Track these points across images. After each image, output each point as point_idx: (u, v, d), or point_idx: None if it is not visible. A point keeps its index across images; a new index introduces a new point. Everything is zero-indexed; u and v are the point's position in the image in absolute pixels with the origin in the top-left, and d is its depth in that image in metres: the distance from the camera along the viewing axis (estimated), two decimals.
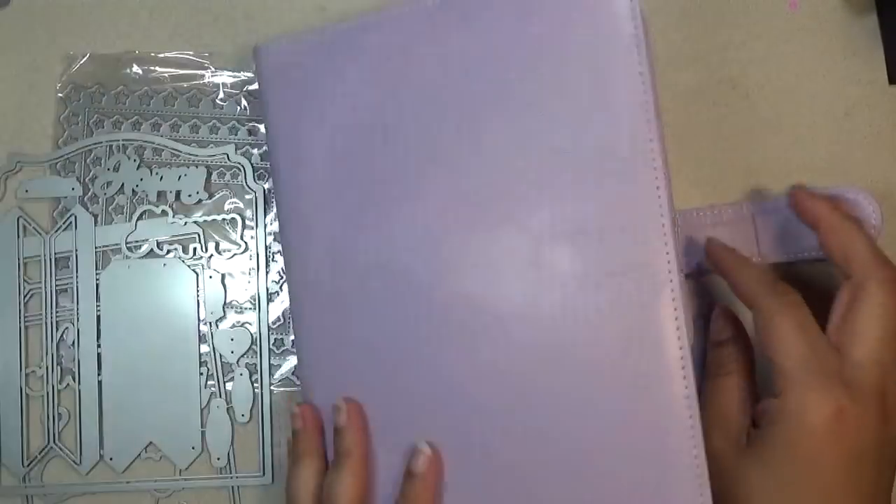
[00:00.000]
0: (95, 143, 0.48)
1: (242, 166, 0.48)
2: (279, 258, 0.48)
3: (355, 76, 0.43)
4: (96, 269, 0.48)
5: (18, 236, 0.48)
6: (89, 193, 0.48)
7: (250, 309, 0.48)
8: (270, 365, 0.48)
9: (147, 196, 0.48)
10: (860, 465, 0.36)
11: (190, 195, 0.48)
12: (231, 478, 0.47)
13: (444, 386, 0.41)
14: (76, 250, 0.48)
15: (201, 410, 0.48)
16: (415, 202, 0.42)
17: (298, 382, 0.47)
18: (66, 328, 0.48)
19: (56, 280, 0.48)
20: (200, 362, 0.48)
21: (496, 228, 0.41)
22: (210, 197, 0.48)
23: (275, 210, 0.48)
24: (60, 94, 0.49)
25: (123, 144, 0.49)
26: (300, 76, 0.43)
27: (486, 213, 0.41)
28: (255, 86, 0.49)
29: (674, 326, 0.38)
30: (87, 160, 0.49)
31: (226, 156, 0.48)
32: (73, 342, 0.48)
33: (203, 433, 0.47)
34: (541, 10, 0.41)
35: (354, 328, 0.42)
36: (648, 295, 0.39)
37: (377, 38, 0.43)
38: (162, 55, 0.49)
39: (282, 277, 0.48)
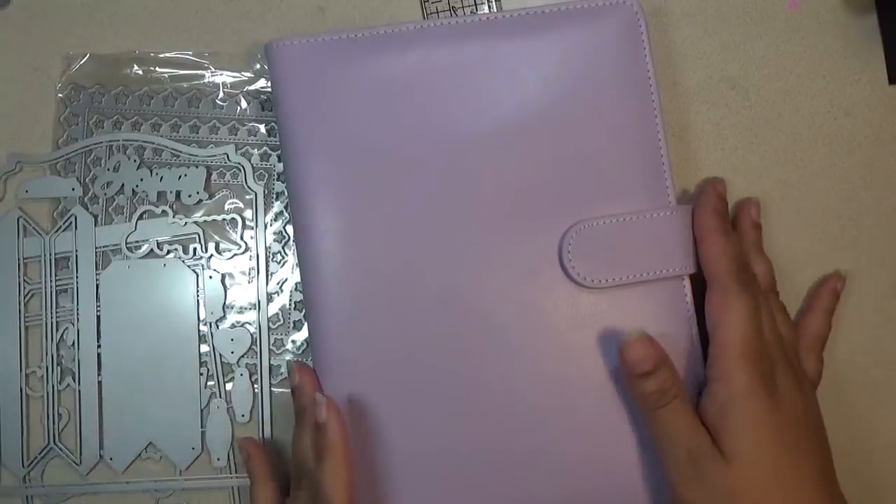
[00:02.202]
0: (95, 144, 0.48)
1: (242, 166, 0.48)
2: (279, 259, 0.48)
3: (376, 86, 0.43)
4: (96, 269, 0.48)
5: (18, 236, 0.48)
6: (89, 194, 0.48)
7: (250, 309, 0.48)
8: (270, 365, 0.48)
9: (147, 196, 0.48)
10: (805, 430, 0.40)
11: (190, 195, 0.48)
12: (231, 478, 0.47)
13: (466, 394, 0.42)
14: (76, 250, 0.48)
15: (201, 411, 0.47)
16: (435, 211, 0.43)
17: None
18: (66, 328, 0.48)
19: (56, 280, 0.48)
20: (200, 362, 0.48)
21: (523, 236, 0.43)
22: (210, 197, 0.48)
23: (274, 210, 0.48)
24: (60, 95, 0.49)
25: (123, 145, 0.49)
26: (317, 78, 0.43)
27: (510, 220, 0.43)
28: (255, 86, 0.49)
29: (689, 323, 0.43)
30: (88, 160, 0.48)
31: (226, 156, 0.48)
32: (73, 342, 0.48)
33: (203, 433, 0.47)
34: (557, 48, 0.43)
35: (375, 334, 0.43)
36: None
37: (401, 52, 0.43)
38: (162, 55, 0.49)
39: (282, 279, 0.48)
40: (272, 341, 0.48)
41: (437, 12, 0.49)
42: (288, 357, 0.48)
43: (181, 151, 0.48)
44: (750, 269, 0.42)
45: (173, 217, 0.48)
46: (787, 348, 0.42)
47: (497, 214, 0.43)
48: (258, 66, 0.49)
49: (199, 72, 0.49)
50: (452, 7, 0.49)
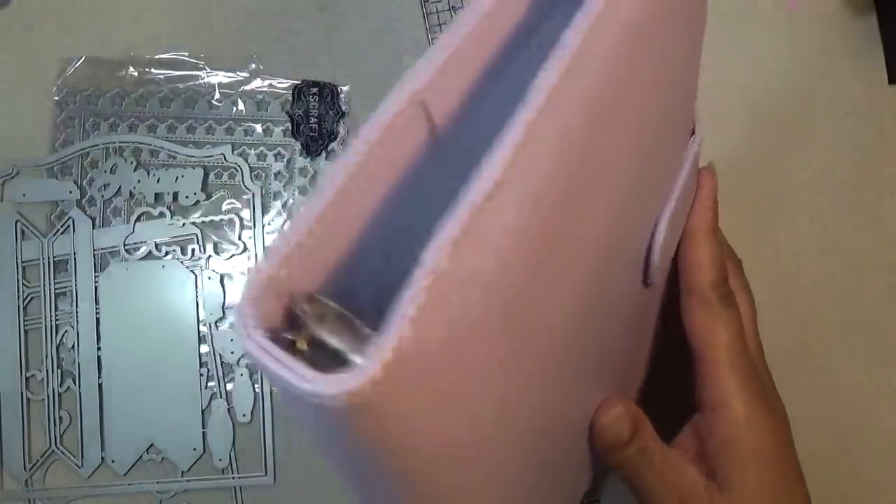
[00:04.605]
0: (92, 146, 0.48)
1: (239, 166, 0.48)
2: None
3: None
4: (95, 271, 0.48)
5: (17, 240, 0.48)
6: (87, 196, 0.48)
7: None
8: None
9: (144, 198, 0.48)
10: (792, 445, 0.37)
11: (187, 196, 0.48)
12: (233, 478, 0.48)
13: None
14: (74, 253, 0.48)
15: (202, 411, 0.48)
16: None
17: None
18: (66, 331, 0.48)
19: (55, 283, 0.48)
20: (200, 363, 0.48)
21: None
22: (207, 198, 0.48)
23: (272, 210, 0.48)
24: (56, 98, 0.48)
25: (120, 147, 0.48)
26: None
27: None
28: (251, 86, 0.48)
29: None
30: (84, 163, 0.48)
31: (222, 156, 0.48)
32: (73, 345, 0.48)
33: (204, 434, 0.48)
34: None
35: None
36: None
37: None
38: (157, 57, 0.48)
39: None
40: None
41: (437, 11, 0.48)
42: None
43: (178, 152, 0.48)
44: (727, 277, 0.38)
45: (171, 218, 0.48)
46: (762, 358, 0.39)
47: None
48: (253, 66, 0.48)
49: (194, 72, 0.49)
50: (453, 7, 0.48)
